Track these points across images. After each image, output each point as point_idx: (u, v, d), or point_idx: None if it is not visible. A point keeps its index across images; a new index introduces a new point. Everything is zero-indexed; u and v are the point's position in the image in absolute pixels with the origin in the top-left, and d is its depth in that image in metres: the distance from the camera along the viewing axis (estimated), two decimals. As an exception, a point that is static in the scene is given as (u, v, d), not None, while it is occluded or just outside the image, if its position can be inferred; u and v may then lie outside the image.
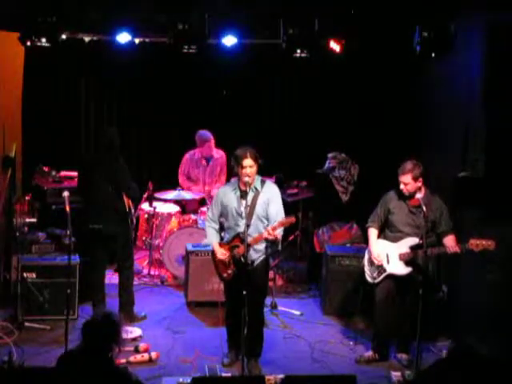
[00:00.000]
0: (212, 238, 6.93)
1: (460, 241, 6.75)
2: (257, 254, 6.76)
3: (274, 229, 6.57)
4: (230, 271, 6.83)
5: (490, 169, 7.88)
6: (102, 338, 4.97)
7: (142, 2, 8.22)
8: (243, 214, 6.59)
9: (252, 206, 6.65)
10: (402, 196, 6.96)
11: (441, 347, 7.30)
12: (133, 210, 7.96)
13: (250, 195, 6.67)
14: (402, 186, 6.87)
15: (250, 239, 6.58)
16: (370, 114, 9.96)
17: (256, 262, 6.75)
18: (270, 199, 6.72)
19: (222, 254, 6.81)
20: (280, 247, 7.03)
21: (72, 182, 9.02)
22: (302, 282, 9.15)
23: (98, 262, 7.82)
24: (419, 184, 6.85)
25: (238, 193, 6.73)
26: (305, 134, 10.36)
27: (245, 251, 6.51)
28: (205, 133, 9.53)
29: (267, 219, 6.72)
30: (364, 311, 7.94)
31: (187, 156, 9.69)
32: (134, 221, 8.21)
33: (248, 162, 6.59)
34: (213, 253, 6.95)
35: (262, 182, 6.78)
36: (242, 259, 6.58)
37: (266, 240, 6.68)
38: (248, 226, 6.56)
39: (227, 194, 6.81)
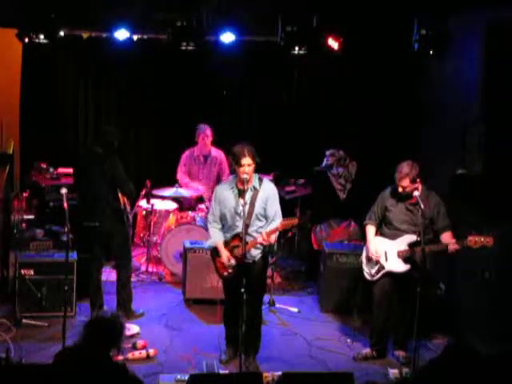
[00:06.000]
0: (217, 238, 6.79)
1: (458, 238, 6.74)
2: (257, 250, 6.73)
3: (269, 234, 6.52)
4: (230, 270, 6.81)
5: (487, 167, 7.89)
6: (104, 341, 4.96)
7: (140, -1, 8.25)
8: (241, 214, 6.53)
9: (251, 206, 6.57)
10: (399, 193, 6.95)
11: (438, 345, 7.28)
12: (128, 208, 7.95)
13: (249, 194, 6.58)
14: (400, 189, 6.83)
15: (249, 239, 6.55)
16: (368, 111, 9.94)
17: (255, 259, 6.74)
18: (268, 198, 6.65)
19: (227, 257, 6.70)
20: (275, 248, 6.98)
21: (70, 179, 8.96)
22: (299, 280, 9.15)
23: (96, 259, 7.82)
24: (417, 185, 6.82)
25: (236, 191, 6.65)
26: (303, 131, 10.35)
27: (244, 251, 6.47)
28: (201, 125, 9.53)
29: (266, 218, 6.69)
30: (362, 309, 7.92)
31: (187, 153, 9.68)
32: (131, 218, 8.19)
33: (247, 160, 6.50)
34: (212, 251, 6.91)
35: (260, 181, 6.70)
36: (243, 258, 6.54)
37: (261, 245, 6.66)
38: (247, 225, 6.52)
39: (224, 193, 6.73)
